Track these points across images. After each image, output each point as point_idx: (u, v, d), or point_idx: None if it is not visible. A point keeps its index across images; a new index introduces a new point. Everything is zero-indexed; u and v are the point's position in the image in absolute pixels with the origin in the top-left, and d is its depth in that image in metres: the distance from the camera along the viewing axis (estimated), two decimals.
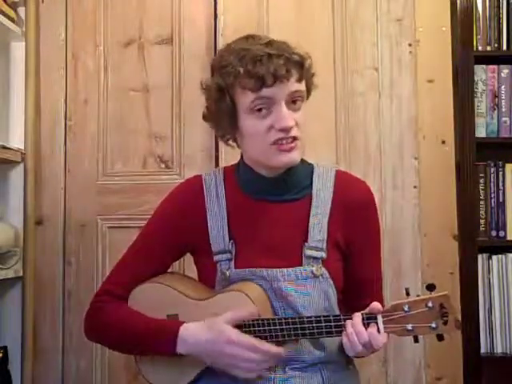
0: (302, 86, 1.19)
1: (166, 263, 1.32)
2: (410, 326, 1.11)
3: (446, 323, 1.10)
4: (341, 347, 1.25)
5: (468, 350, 1.84)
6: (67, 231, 2.05)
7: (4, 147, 1.90)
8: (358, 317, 1.12)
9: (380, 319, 1.11)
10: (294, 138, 1.16)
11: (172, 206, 1.32)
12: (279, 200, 1.25)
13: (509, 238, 1.91)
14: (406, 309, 1.11)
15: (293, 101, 1.17)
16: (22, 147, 2.01)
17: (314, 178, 1.27)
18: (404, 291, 1.13)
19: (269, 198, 1.25)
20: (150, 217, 1.34)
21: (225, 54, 1.20)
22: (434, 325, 1.10)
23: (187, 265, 1.36)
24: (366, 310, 1.13)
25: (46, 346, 2.01)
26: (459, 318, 1.12)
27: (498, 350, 1.86)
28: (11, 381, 1.90)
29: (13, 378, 1.91)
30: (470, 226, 1.88)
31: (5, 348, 1.90)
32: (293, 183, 1.25)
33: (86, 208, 2.04)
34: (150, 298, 1.24)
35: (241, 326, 1.16)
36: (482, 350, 1.84)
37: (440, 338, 1.12)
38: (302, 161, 1.26)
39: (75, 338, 2.00)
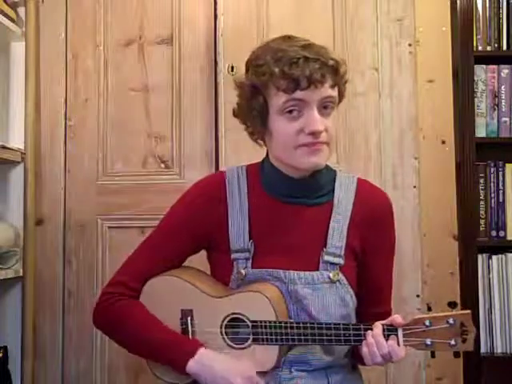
0: (335, 92, 1.18)
1: (181, 257, 1.30)
2: (429, 341, 1.11)
3: (464, 341, 1.10)
4: (348, 353, 1.25)
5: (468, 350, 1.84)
6: (67, 231, 2.05)
7: (4, 147, 1.90)
8: (378, 328, 1.12)
9: (400, 332, 1.11)
10: (322, 143, 1.16)
11: (193, 199, 1.30)
12: (301, 203, 1.24)
13: (509, 237, 1.90)
14: (427, 323, 1.11)
15: (324, 106, 1.17)
16: (22, 147, 2.01)
17: (336, 185, 1.27)
18: (426, 306, 1.15)
19: (291, 200, 1.24)
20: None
21: (261, 52, 1.20)
22: (453, 342, 1.10)
23: (195, 264, 1.35)
24: (387, 321, 1.13)
25: (45, 346, 2.01)
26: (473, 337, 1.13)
27: (498, 350, 1.86)
28: (11, 381, 1.90)
29: (13, 378, 1.91)
30: (470, 226, 1.88)
31: (5, 348, 1.90)
32: (317, 186, 1.25)
33: (86, 208, 2.04)
34: (165, 291, 1.23)
35: (258, 327, 1.16)
36: (482, 350, 1.84)
37: (456, 355, 1.13)
38: (326, 166, 1.26)
39: (75, 337, 2.00)
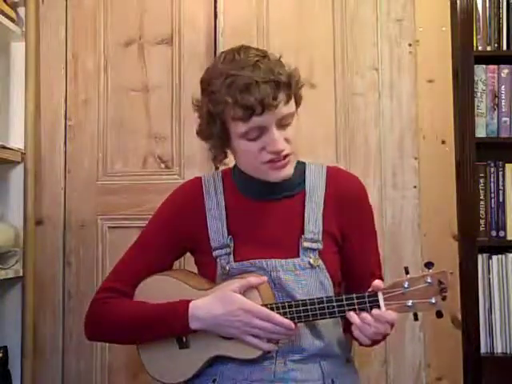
0: (291, 107, 1.21)
1: (166, 262, 1.34)
2: (410, 303, 1.14)
3: (444, 298, 1.13)
4: (340, 342, 1.28)
5: (468, 350, 1.84)
6: (67, 231, 2.04)
7: (4, 147, 1.90)
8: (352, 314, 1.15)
9: (381, 296, 1.14)
10: (286, 156, 1.20)
11: (173, 206, 1.35)
12: (275, 198, 1.29)
13: (509, 237, 1.90)
14: (405, 285, 1.14)
15: (282, 123, 1.20)
16: (22, 147, 2.01)
17: (306, 175, 1.31)
18: (403, 270, 1.16)
19: (265, 197, 1.29)
20: (150, 217, 1.36)
21: (212, 75, 1.21)
22: (433, 300, 1.13)
23: (186, 265, 1.36)
24: (369, 289, 1.16)
25: (45, 346, 2.01)
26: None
27: (498, 350, 1.86)
28: (11, 381, 1.90)
29: (13, 378, 1.91)
30: (469, 226, 1.87)
31: (5, 348, 1.90)
32: (287, 183, 1.28)
33: (86, 208, 2.04)
34: (156, 290, 1.26)
35: None
36: (482, 350, 1.84)
37: (439, 314, 1.15)
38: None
39: (75, 338, 2.00)
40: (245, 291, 1.19)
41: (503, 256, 1.89)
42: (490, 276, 1.88)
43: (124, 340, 1.33)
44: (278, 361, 1.21)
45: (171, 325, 1.21)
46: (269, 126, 1.17)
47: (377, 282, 1.16)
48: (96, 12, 2.09)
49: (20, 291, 1.99)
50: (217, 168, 1.95)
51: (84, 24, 2.09)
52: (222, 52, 1.24)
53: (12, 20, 2.01)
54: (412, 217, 1.93)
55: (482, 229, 1.91)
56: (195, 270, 1.35)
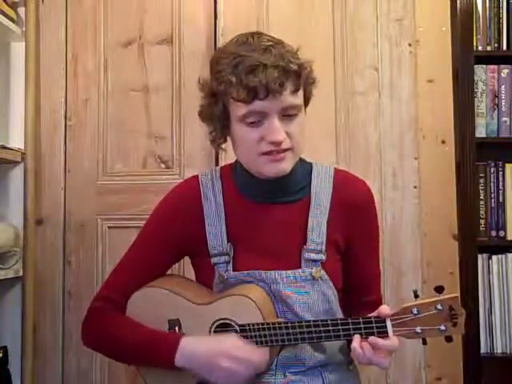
0: (298, 99, 1.15)
1: (164, 267, 1.30)
2: (418, 329, 1.10)
3: (455, 325, 1.09)
4: (342, 349, 1.25)
5: (468, 350, 1.84)
6: (67, 231, 2.05)
7: (4, 147, 1.90)
8: (357, 337, 1.11)
9: (389, 323, 1.10)
10: (285, 150, 1.15)
11: (169, 208, 1.29)
12: (278, 202, 1.23)
13: (509, 238, 1.91)
14: (414, 311, 1.10)
15: (287, 114, 1.14)
16: (22, 147, 2.01)
17: (312, 179, 1.25)
18: (412, 293, 1.12)
19: (267, 199, 1.23)
20: (148, 218, 1.34)
21: (222, 55, 1.17)
22: (442, 327, 1.09)
23: (187, 266, 1.35)
24: (375, 314, 1.12)
25: (45, 346, 2.01)
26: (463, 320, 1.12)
27: (498, 350, 1.86)
28: (11, 380, 1.90)
29: (13, 378, 1.91)
30: (470, 226, 1.88)
31: (5, 348, 1.90)
32: (291, 184, 1.23)
33: (86, 208, 2.04)
34: (151, 303, 1.23)
35: (246, 331, 1.15)
36: (482, 350, 1.84)
37: (449, 339, 1.11)
38: (300, 160, 1.25)
39: (75, 337, 2.00)
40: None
41: (503, 256, 1.89)
42: (490, 276, 1.88)
43: (113, 359, 1.28)
44: (277, 373, 1.19)
45: (158, 357, 1.17)
46: (270, 114, 1.12)
47: (383, 309, 1.11)
48: (96, 12, 2.09)
49: (20, 291, 1.99)
50: (217, 163, 1.96)
51: (84, 24, 2.09)
52: (237, 35, 1.19)
53: (12, 20, 2.01)
54: (412, 217, 1.93)
55: (482, 229, 1.91)
56: (193, 272, 1.33)
